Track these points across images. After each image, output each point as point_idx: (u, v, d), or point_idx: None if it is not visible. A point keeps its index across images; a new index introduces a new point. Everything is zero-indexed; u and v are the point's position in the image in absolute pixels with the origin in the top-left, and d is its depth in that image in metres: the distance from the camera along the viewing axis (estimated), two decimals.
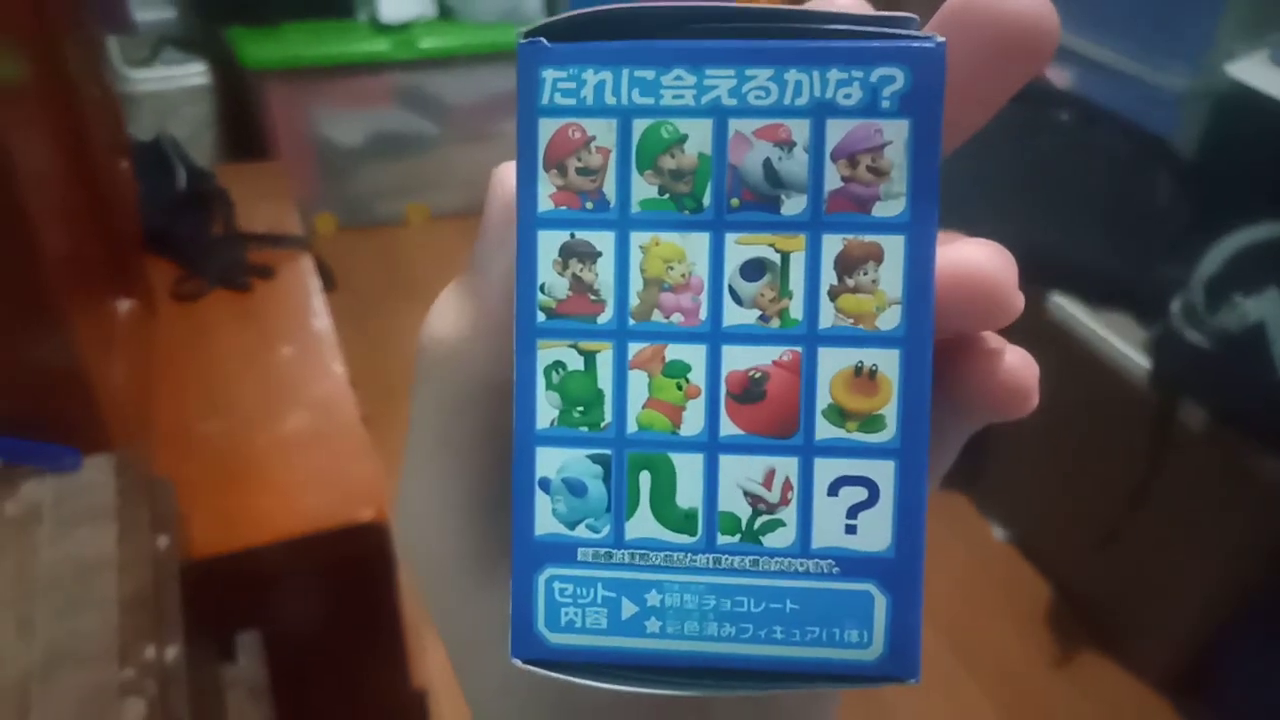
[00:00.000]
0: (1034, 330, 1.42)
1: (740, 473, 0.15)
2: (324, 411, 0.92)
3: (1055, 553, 1.54)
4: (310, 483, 0.84)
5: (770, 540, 0.15)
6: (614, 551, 0.15)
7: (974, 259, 0.15)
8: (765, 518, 0.15)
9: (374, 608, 0.86)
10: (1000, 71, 0.15)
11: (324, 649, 0.84)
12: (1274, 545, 1.22)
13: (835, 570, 0.15)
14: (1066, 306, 1.36)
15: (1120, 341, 1.29)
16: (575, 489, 0.15)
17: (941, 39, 0.14)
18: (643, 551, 0.15)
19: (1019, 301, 0.16)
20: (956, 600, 1.51)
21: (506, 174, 0.17)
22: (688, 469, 0.15)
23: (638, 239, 0.15)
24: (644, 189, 0.14)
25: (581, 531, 0.15)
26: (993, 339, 0.17)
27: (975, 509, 1.65)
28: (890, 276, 0.14)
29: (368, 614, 0.86)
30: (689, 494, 0.15)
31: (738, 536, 0.15)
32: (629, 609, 0.15)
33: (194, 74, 2.03)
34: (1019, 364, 0.16)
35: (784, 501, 0.15)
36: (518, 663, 0.15)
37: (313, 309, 1.07)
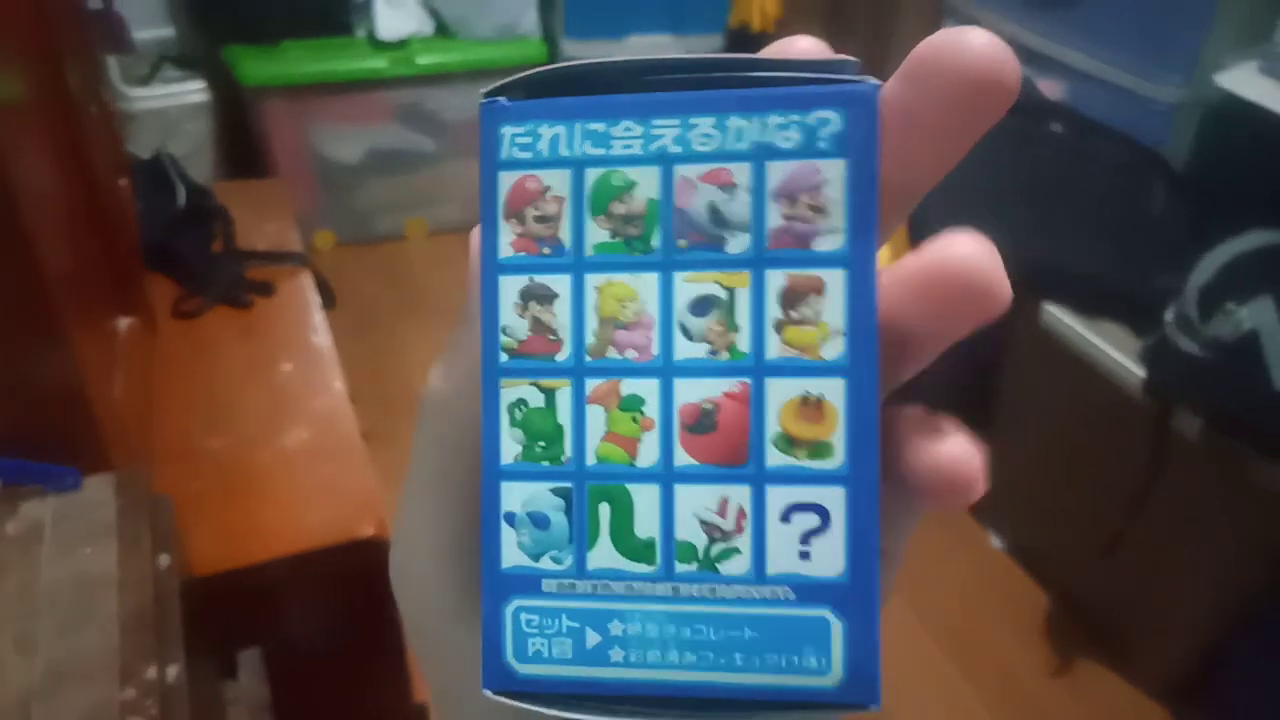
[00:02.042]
0: (1029, 340, 1.42)
1: (696, 502, 0.15)
2: (324, 427, 0.92)
3: (1053, 561, 1.54)
4: (311, 498, 0.84)
5: (726, 568, 0.15)
6: (577, 582, 0.15)
7: (958, 252, 0.15)
8: (721, 546, 0.15)
9: (375, 623, 0.86)
10: (964, 119, 0.15)
11: (325, 665, 0.84)
12: (1272, 553, 1.22)
13: (791, 597, 0.15)
14: (1061, 316, 1.37)
15: (1114, 350, 1.30)
16: (539, 522, 0.15)
17: (876, 82, 0.15)
18: (604, 581, 0.15)
19: (1006, 291, 0.16)
20: (955, 609, 1.51)
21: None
22: (645, 499, 0.15)
23: (593, 280, 0.15)
24: (597, 233, 0.15)
25: (546, 563, 0.15)
26: (943, 422, 0.16)
27: (973, 518, 1.65)
28: (832, 308, 0.15)
29: (369, 629, 0.86)
30: (647, 524, 0.15)
31: (695, 565, 0.15)
32: (593, 638, 0.15)
33: (193, 92, 2.04)
34: (960, 453, 0.15)
35: (738, 529, 0.15)
36: (488, 693, 0.15)
37: (313, 325, 1.07)
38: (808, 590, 0.15)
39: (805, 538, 0.15)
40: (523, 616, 0.15)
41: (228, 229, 1.19)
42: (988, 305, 0.16)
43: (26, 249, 0.60)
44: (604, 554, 0.15)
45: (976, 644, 1.47)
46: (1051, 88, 1.58)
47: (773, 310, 0.15)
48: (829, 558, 0.15)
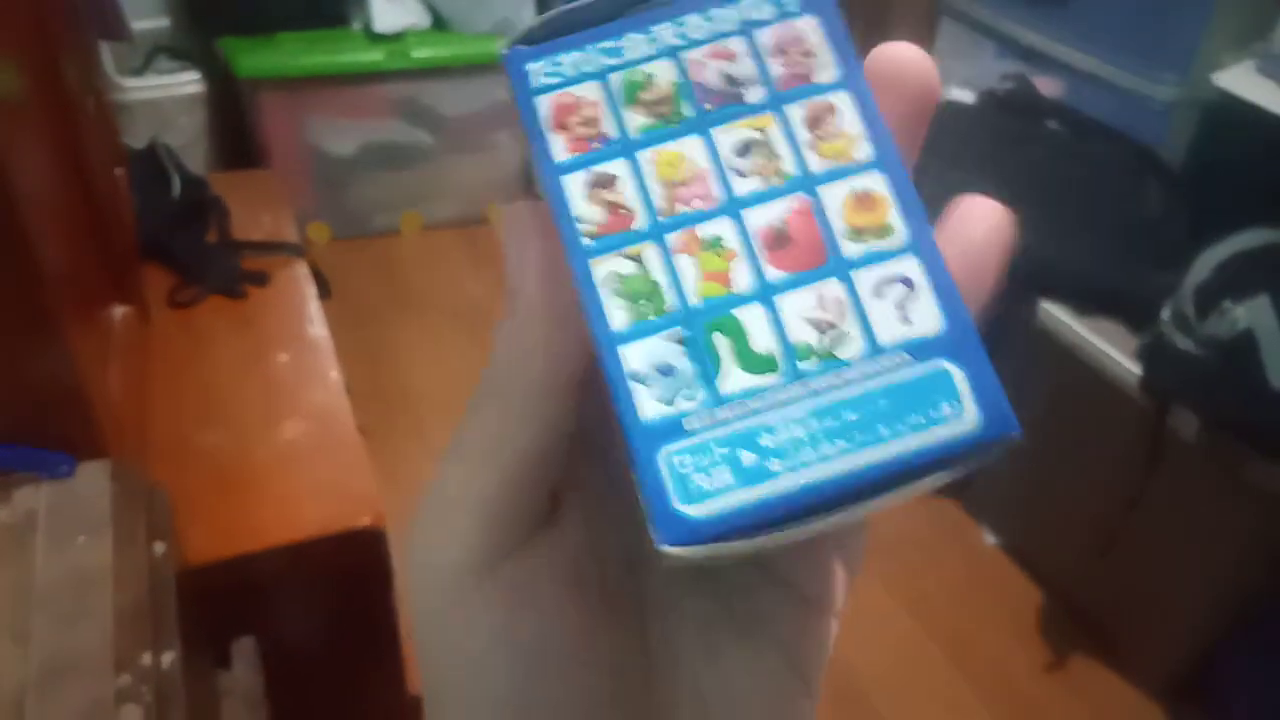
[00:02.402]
0: (1025, 338, 1.42)
1: (798, 306, 0.17)
2: (320, 419, 0.92)
3: (1047, 558, 1.55)
4: (307, 490, 0.84)
5: (844, 352, 0.17)
6: (715, 411, 0.16)
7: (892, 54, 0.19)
8: (832, 335, 0.17)
9: (370, 615, 0.86)
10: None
11: (320, 656, 0.84)
12: (1268, 551, 1.22)
13: (908, 359, 0.16)
14: (1057, 314, 1.37)
15: (1111, 349, 1.30)
16: (664, 371, 0.17)
17: None
18: (740, 402, 0.16)
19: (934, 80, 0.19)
20: (950, 607, 1.52)
21: (514, 212, 0.19)
22: (754, 318, 0.17)
23: (644, 157, 0.17)
24: (637, 120, 0.18)
25: (681, 404, 0.16)
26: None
27: (967, 514, 1.65)
28: (850, 121, 0.18)
29: (364, 621, 0.86)
30: (763, 339, 0.17)
31: (815, 360, 0.17)
32: (748, 457, 0.16)
33: (188, 83, 2.04)
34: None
35: (842, 317, 0.17)
36: (669, 550, 0.16)
37: (309, 316, 1.07)
38: (920, 348, 0.16)
39: (900, 305, 0.17)
40: (676, 460, 0.16)
41: (223, 220, 1.19)
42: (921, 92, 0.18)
43: (22, 240, 0.60)
44: (733, 378, 0.16)
45: (972, 642, 1.47)
46: (1049, 86, 1.58)
47: (802, 135, 0.17)
48: (927, 316, 0.17)
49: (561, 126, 0.18)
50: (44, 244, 0.62)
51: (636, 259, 0.17)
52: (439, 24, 2.18)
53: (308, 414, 0.92)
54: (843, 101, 0.18)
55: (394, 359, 1.95)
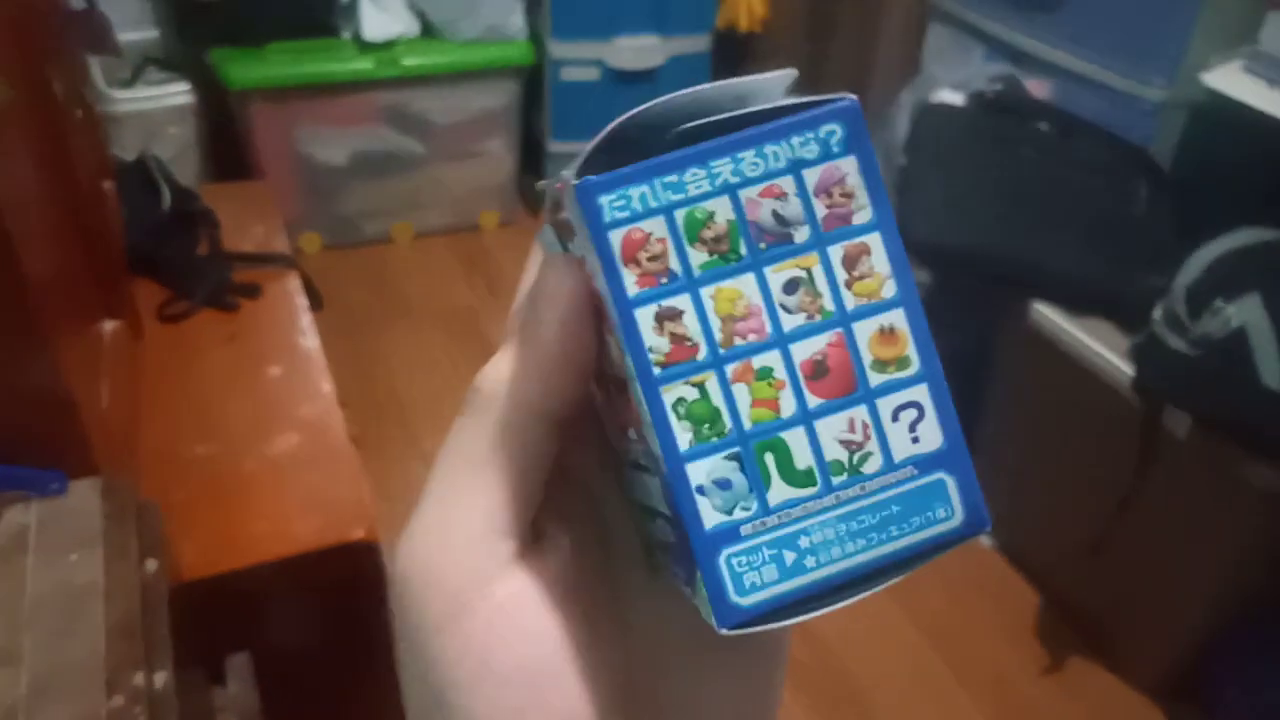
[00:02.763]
0: (1017, 339, 1.43)
1: (832, 429, 0.20)
2: (313, 431, 0.91)
3: (1044, 560, 1.55)
4: (300, 503, 0.83)
5: (867, 468, 0.20)
6: (765, 519, 0.20)
7: None
8: (859, 454, 0.20)
9: (364, 628, 0.86)
10: None
11: (315, 670, 0.83)
12: (1262, 551, 1.22)
13: (915, 473, 0.20)
14: (1049, 315, 1.37)
15: (1103, 349, 1.30)
16: (723, 485, 0.20)
17: (853, 96, 0.20)
18: (785, 510, 0.20)
19: None
20: (946, 609, 1.52)
21: (553, 261, 0.21)
22: (797, 440, 0.20)
23: (705, 292, 0.20)
24: (698, 257, 0.20)
25: (738, 514, 0.20)
26: None
27: None
28: (880, 261, 0.20)
29: (358, 634, 0.86)
30: (803, 457, 0.20)
31: (845, 475, 0.20)
32: (790, 556, 0.20)
33: (177, 94, 2.03)
34: None
35: (867, 438, 0.20)
36: (725, 631, 0.19)
37: (300, 328, 1.06)
38: (924, 463, 0.20)
39: (911, 427, 0.20)
40: (733, 561, 0.19)
41: (213, 232, 1.18)
42: None
43: (9, 253, 0.59)
44: (779, 491, 0.20)
45: (967, 643, 1.47)
46: (1038, 87, 1.58)
47: (840, 275, 0.20)
48: (931, 435, 0.20)
49: (632, 261, 0.20)
50: (32, 257, 0.62)
51: (700, 386, 0.20)
52: (428, 32, 2.18)
53: (299, 427, 0.92)
54: (875, 242, 0.20)
55: (386, 367, 1.94)
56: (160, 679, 0.51)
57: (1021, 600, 1.53)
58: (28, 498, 0.62)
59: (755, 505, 0.20)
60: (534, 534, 0.21)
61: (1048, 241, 1.38)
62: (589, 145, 0.20)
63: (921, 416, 0.20)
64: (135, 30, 2.11)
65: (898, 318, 0.20)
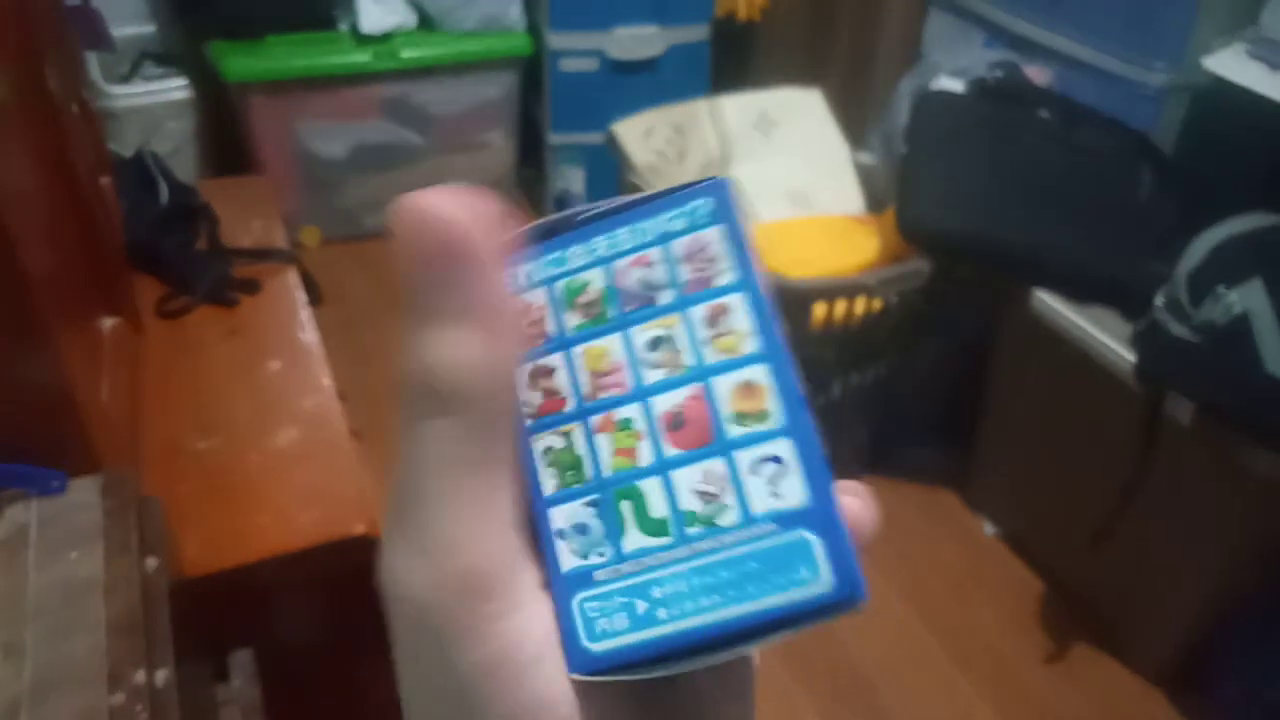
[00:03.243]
0: (1019, 327, 1.42)
1: (688, 480, 0.20)
2: (313, 426, 0.91)
3: (1046, 548, 1.55)
4: (301, 497, 0.83)
5: (723, 521, 0.20)
6: (619, 566, 0.20)
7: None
8: (714, 505, 0.20)
9: (367, 622, 0.85)
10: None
11: (317, 665, 0.83)
12: (1266, 538, 1.22)
13: (775, 529, 0.19)
14: (1051, 302, 1.37)
15: (1105, 336, 1.30)
16: (581, 530, 0.20)
17: (726, 177, 0.22)
18: (638, 559, 0.20)
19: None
20: (949, 598, 1.52)
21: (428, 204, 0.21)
22: (653, 489, 0.20)
23: (576, 351, 0.21)
24: (573, 321, 0.21)
25: (593, 559, 0.20)
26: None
27: (965, 505, 1.65)
28: (740, 319, 0.21)
29: (361, 628, 0.86)
30: (659, 506, 0.20)
31: (700, 526, 0.20)
32: (641, 605, 0.19)
33: (175, 89, 2.03)
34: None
35: (723, 490, 0.20)
36: (575, 676, 0.19)
37: (300, 323, 1.06)
38: (785, 519, 0.19)
39: (772, 481, 0.20)
40: (586, 606, 0.20)
41: (212, 227, 1.18)
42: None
43: (8, 250, 0.59)
44: (634, 539, 0.20)
45: (970, 631, 1.47)
46: (1039, 74, 1.57)
47: (701, 333, 0.21)
48: (793, 492, 0.19)
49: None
50: (31, 254, 0.62)
51: (566, 435, 0.21)
52: (426, 23, 2.18)
53: (300, 422, 0.92)
54: (736, 302, 0.21)
55: (386, 360, 1.94)
56: (162, 675, 0.51)
57: (1023, 588, 1.54)
58: (28, 495, 0.62)
59: (610, 552, 0.20)
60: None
61: (1049, 229, 1.38)
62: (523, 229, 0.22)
63: (784, 471, 0.20)
64: (132, 25, 2.11)
65: (758, 373, 0.20)
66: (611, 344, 0.21)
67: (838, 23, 2.13)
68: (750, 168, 1.65)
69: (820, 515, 0.19)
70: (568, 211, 0.23)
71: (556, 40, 2.16)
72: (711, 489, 0.20)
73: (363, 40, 2.10)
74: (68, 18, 1.01)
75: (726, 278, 0.21)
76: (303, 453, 0.88)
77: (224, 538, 0.78)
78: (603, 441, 0.20)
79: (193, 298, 1.06)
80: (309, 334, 1.04)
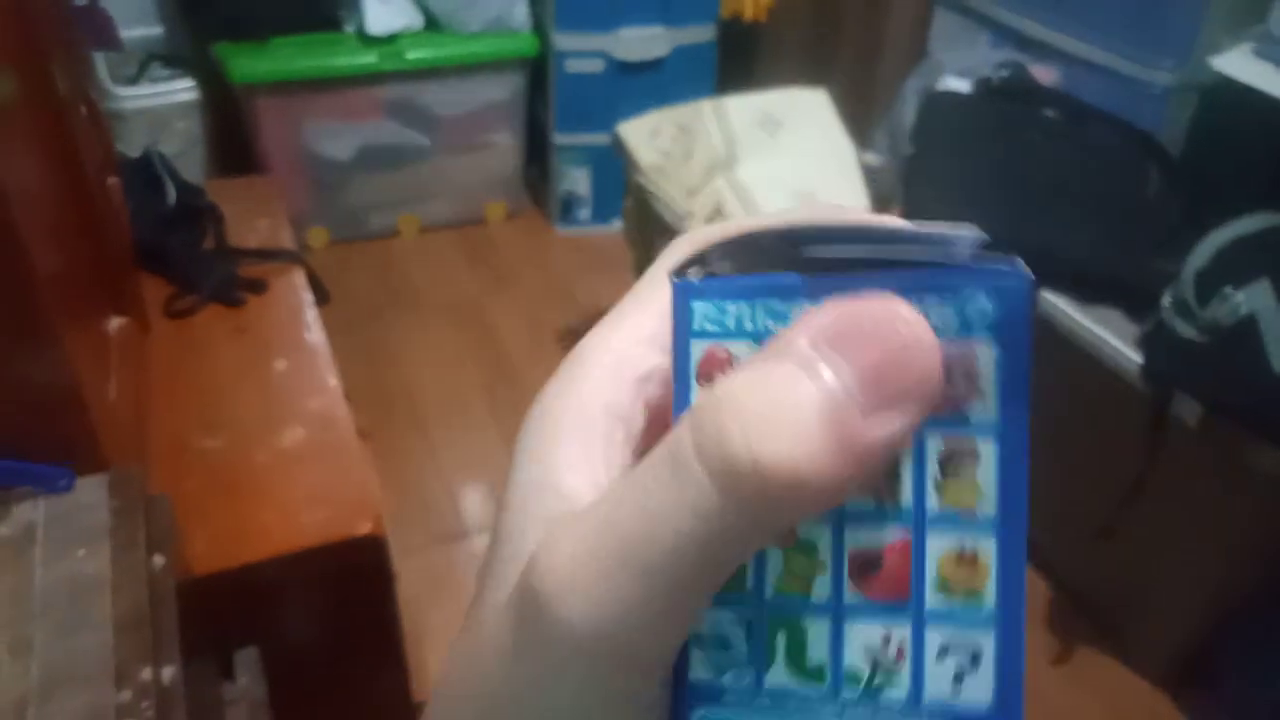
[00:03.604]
0: None
1: (862, 636, 0.17)
2: (320, 425, 0.92)
3: (1051, 548, 1.54)
4: (307, 497, 0.84)
5: (887, 696, 0.17)
6: (753, 699, 0.17)
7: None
8: (884, 674, 0.17)
9: (373, 621, 0.86)
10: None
11: (323, 664, 0.84)
12: (1271, 539, 1.22)
13: None
14: (1057, 302, 1.37)
15: (1112, 336, 1.30)
16: (721, 644, 0.18)
17: (1028, 274, 0.16)
18: (778, 699, 0.17)
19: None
20: None
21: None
22: (817, 630, 0.17)
23: None
24: None
25: (728, 679, 0.17)
26: None
27: None
28: (986, 472, 0.16)
29: (367, 628, 0.86)
30: (818, 651, 0.17)
31: (859, 689, 0.17)
32: None
33: (183, 90, 2.03)
34: None
35: (899, 662, 0.17)
36: None
37: (306, 322, 1.06)
38: (960, 718, 0.16)
39: (959, 673, 0.16)
40: None
41: (219, 227, 1.18)
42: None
43: (17, 250, 0.59)
44: (780, 675, 0.17)
45: None
46: (1045, 73, 1.57)
47: (932, 469, 0.16)
48: (979, 690, 0.16)
49: (706, 378, 0.18)
50: (39, 252, 0.62)
51: None
52: (432, 25, 2.18)
53: (307, 421, 0.92)
54: (987, 449, 0.16)
55: (393, 360, 1.95)
56: (169, 672, 0.51)
57: (1032, 591, 1.53)
58: (36, 493, 0.62)
59: (749, 679, 0.17)
60: None
61: (1055, 228, 1.37)
62: (709, 244, 0.18)
63: (976, 666, 0.16)
64: (140, 26, 2.12)
65: (985, 543, 0.16)
66: None
67: (843, 23, 2.13)
68: (756, 168, 1.65)
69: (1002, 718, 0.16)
70: (778, 228, 0.18)
71: (562, 41, 2.17)
72: (887, 655, 0.17)
73: (369, 41, 2.10)
74: (76, 18, 1.01)
75: (984, 413, 0.16)
76: (309, 452, 0.88)
77: (230, 536, 0.78)
78: (775, 558, 0.17)
79: (199, 297, 1.07)
80: (315, 334, 1.04)
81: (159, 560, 0.59)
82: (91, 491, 0.63)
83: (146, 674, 0.50)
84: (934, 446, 0.16)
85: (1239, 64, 1.27)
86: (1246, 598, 1.28)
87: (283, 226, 1.22)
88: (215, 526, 0.79)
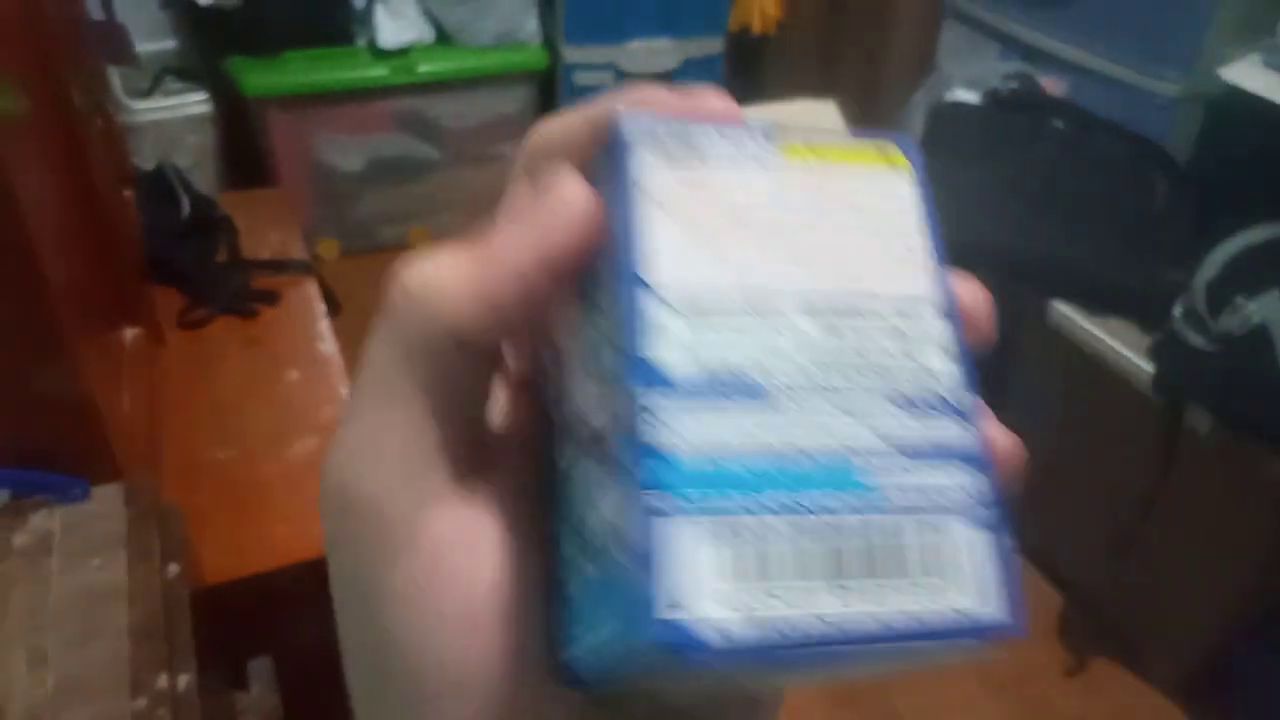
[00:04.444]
0: (1036, 337, 1.42)
1: None
2: (332, 436, 0.92)
3: (1064, 559, 1.54)
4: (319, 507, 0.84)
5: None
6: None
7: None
8: None
9: None
10: None
11: (336, 674, 0.84)
12: None
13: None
14: (1068, 313, 1.36)
15: (1123, 347, 1.29)
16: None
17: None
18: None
19: (993, 334, 0.19)
20: None
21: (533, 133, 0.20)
22: None
23: None
24: None
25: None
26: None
27: None
28: None
29: None
30: None
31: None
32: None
33: (196, 103, 2.05)
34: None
35: None
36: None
37: (318, 334, 1.07)
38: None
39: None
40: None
41: (232, 239, 1.19)
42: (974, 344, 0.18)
43: (32, 262, 0.60)
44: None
45: None
46: (1053, 85, 1.57)
47: None
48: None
49: None
50: (53, 264, 0.63)
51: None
52: (442, 38, 2.19)
53: (319, 431, 0.92)
54: None
55: None
56: (183, 681, 0.51)
57: (1043, 600, 1.52)
58: (51, 503, 0.63)
59: None
60: (472, 468, 0.18)
61: (1066, 240, 1.37)
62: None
63: None
64: (154, 41, 2.13)
65: None
66: None
67: (851, 35, 2.14)
68: None
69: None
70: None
71: (571, 54, 2.18)
72: None
73: (379, 55, 2.12)
74: (91, 33, 1.02)
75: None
76: (321, 462, 0.89)
77: (243, 546, 0.78)
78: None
79: (212, 309, 1.07)
80: (327, 345, 1.05)
81: (173, 569, 0.59)
82: (106, 501, 0.63)
83: (162, 683, 0.50)
84: None
85: (1247, 74, 1.27)
86: (1261, 610, 1.27)
87: (295, 239, 1.23)
88: (228, 536, 0.79)
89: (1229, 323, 1.14)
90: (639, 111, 0.18)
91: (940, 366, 0.17)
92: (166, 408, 0.91)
